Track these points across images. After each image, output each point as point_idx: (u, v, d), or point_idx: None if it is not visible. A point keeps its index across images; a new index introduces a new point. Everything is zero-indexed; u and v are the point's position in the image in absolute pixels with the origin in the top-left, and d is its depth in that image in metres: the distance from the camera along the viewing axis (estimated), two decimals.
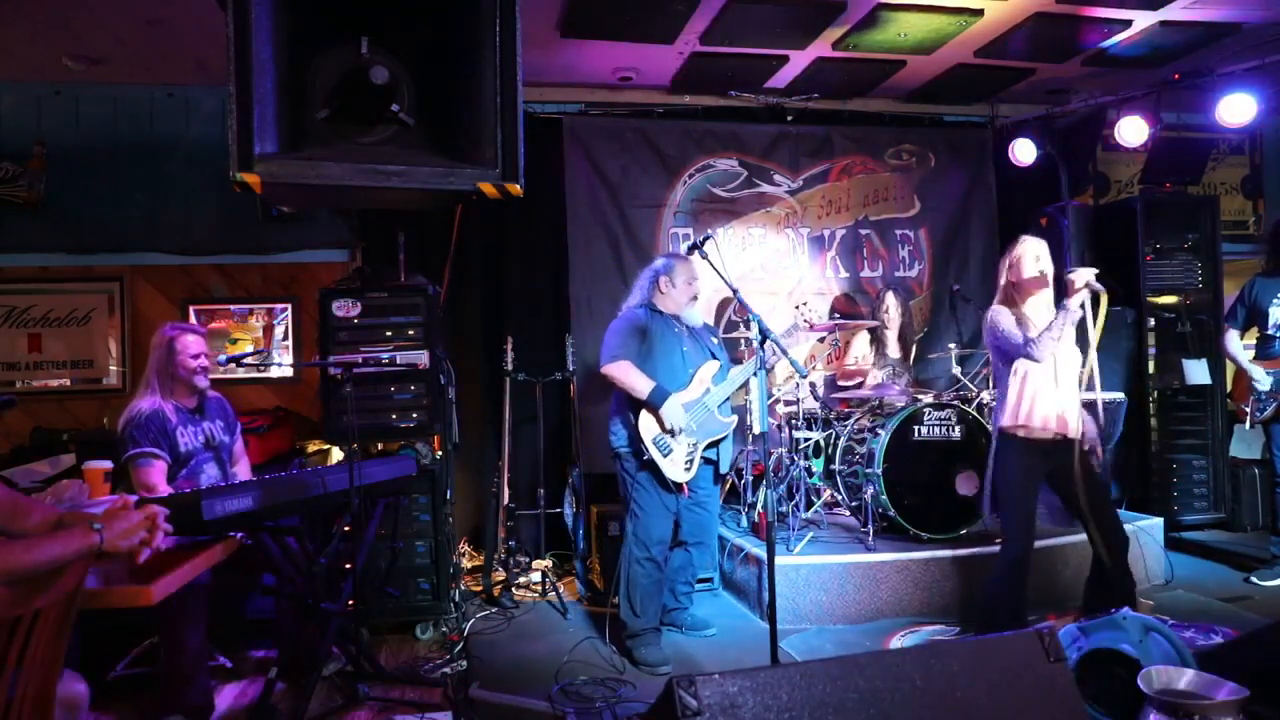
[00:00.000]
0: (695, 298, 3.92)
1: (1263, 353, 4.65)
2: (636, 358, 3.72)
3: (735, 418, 3.92)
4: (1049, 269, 3.35)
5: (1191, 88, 5.20)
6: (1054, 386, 3.33)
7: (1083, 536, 4.16)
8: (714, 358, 3.93)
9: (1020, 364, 3.33)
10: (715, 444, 3.86)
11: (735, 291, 3.27)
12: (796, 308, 4.78)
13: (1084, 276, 3.14)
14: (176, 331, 3.41)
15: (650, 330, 3.80)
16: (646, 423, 3.69)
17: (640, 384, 3.67)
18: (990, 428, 4.61)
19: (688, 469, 3.74)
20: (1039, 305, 3.38)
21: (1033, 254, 3.36)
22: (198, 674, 2.97)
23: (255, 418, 4.65)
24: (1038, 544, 3.63)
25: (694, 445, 3.75)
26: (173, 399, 3.38)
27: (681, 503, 3.82)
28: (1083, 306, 3.18)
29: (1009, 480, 3.38)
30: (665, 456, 3.69)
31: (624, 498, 3.89)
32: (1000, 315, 3.35)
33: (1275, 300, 4.57)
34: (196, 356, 3.39)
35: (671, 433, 3.69)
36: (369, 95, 2.24)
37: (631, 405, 3.74)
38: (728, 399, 3.88)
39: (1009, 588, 3.41)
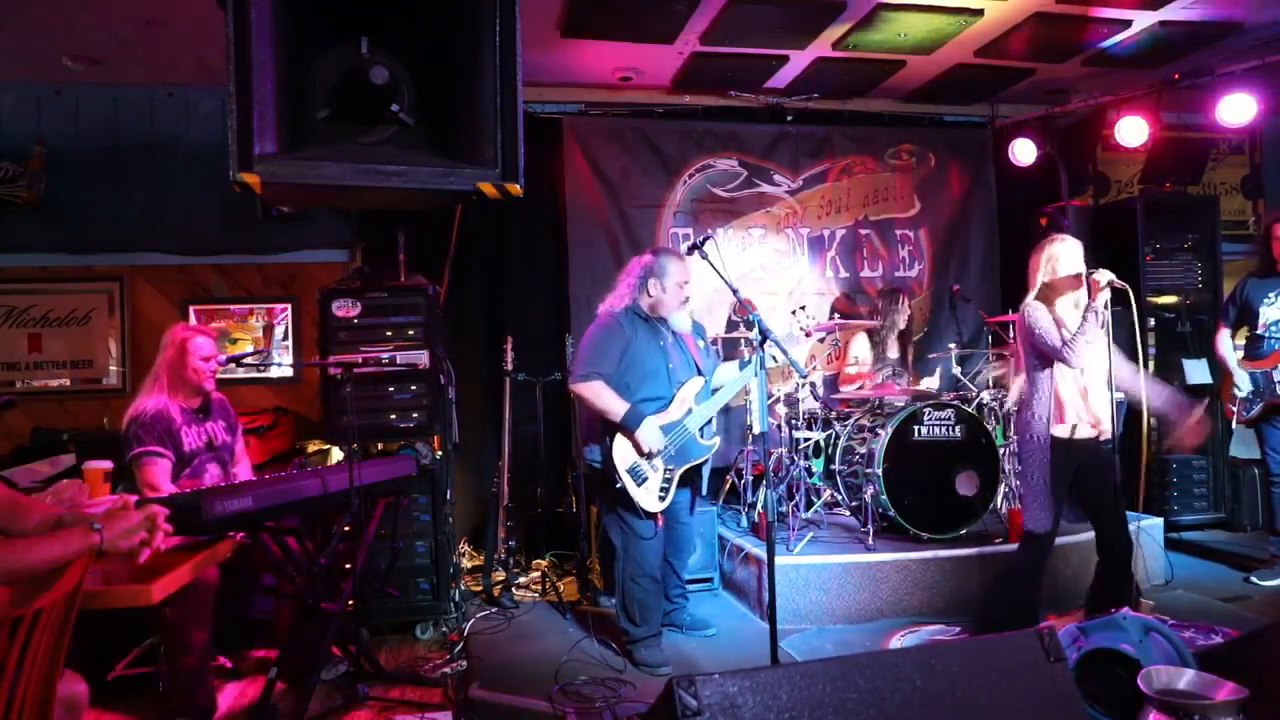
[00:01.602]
0: (686, 300, 3.65)
1: (1251, 352, 4.65)
2: (613, 373, 3.50)
3: (717, 440, 3.73)
4: (1084, 270, 3.35)
5: (1191, 88, 5.20)
6: (1094, 387, 3.33)
7: (1085, 536, 4.19)
8: (699, 373, 3.71)
9: (1056, 364, 3.32)
10: (694, 469, 3.67)
11: (735, 292, 3.25)
12: (793, 313, 4.75)
13: (1106, 275, 3.16)
14: (190, 332, 3.49)
15: (633, 341, 3.55)
16: (621, 448, 3.46)
17: (614, 406, 3.43)
18: (989, 426, 4.65)
19: (663, 498, 3.54)
20: (1068, 305, 3.37)
21: (1071, 254, 3.35)
22: (204, 675, 2.98)
23: (255, 418, 4.65)
24: None
25: (671, 471, 3.55)
26: (179, 399, 3.43)
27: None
28: (1106, 306, 3.18)
29: (1040, 481, 3.35)
30: (639, 486, 3.47)
31: (600, 507, 3.76)
32: (1039, 312, 3.32)
33: (1266, 300, 4.57)
34: (207, 359, 3.45)
35: (648, 457, 3.48)
36: (369, 95, 2.24)
37: (605, 427, 3.50)
38: (710, 420, 3.68)
39: (1025, 587, 3.41)
